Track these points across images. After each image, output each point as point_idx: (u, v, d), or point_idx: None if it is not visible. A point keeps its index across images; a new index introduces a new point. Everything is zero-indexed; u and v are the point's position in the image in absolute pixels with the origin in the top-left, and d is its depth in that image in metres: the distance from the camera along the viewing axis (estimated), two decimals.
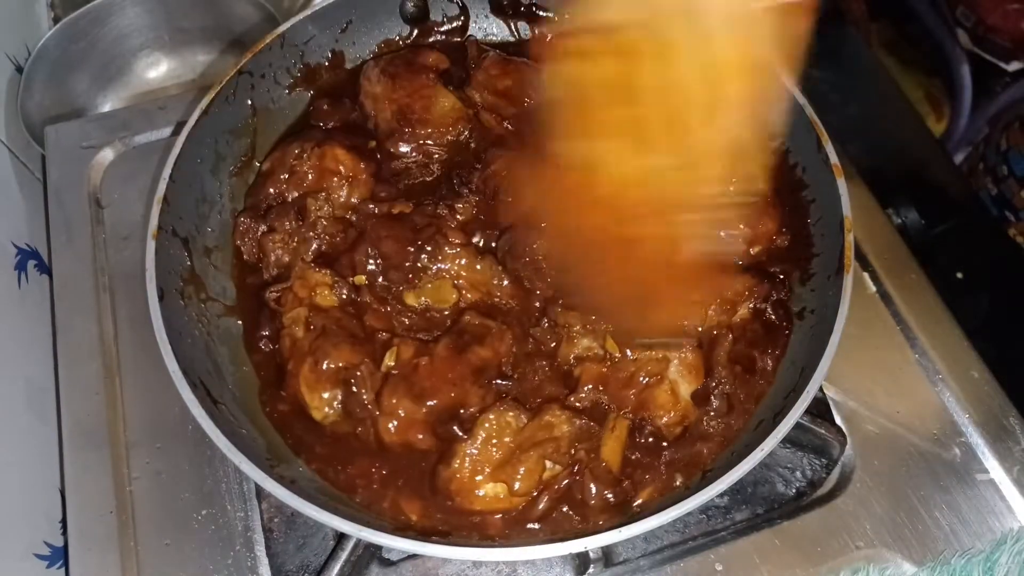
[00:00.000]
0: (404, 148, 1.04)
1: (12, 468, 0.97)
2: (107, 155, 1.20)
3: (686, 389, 0.87)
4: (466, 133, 1.05)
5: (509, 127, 1.05)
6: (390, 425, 0.85)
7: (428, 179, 1.03)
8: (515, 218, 0.95)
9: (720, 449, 0.86)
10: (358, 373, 0.86)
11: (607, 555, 0.91)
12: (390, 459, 0.87)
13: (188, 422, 0.96)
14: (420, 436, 0.85)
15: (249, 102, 1.06)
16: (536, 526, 0.83)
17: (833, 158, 0.92)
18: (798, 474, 0.96)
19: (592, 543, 0.75)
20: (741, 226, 0.94)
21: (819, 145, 0.93)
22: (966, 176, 1.73)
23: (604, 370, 0.87)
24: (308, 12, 1.07)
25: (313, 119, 1.09)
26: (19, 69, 1.28)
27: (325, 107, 1.09)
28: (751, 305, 0.92)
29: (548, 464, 0.83)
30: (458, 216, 0.97)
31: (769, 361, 0.91)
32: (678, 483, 0.85)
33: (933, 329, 1.04)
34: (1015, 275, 1.29)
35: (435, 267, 0.93)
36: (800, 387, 0.80)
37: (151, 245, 0.89)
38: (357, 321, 0.91)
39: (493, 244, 0.97)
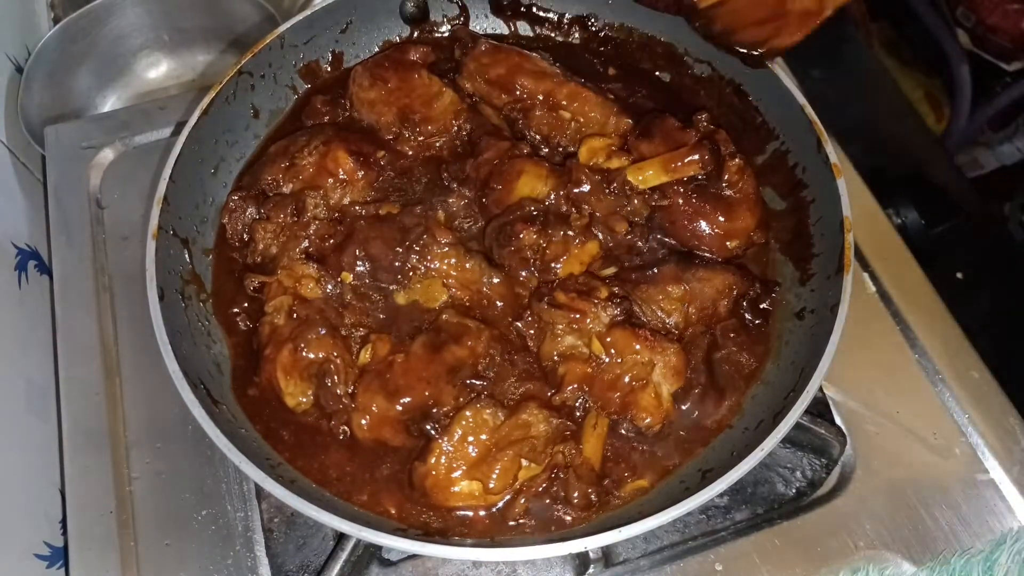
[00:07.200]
0: (409, 149, 1.04)
1: (12, 468, 0.97)
2: (107, 155, 1.20)
3: (669, 391, 0.87)
4: (465, 126, 1.05)
5: (505, 115, 1.04)
6: (363, 421, 0.85)
7: (426, 179, 1.03)
8: (504, 207, 0.95)
9: (697, 446, 0.87)
10: (332, 365, 0.86)
11: (607, 555, 0.91)
12: (363, 453, 0.87)
13: (188, 422, 0.96)
14: (392, 434, 0.85)
15: (249, 102, 1.06)
16: (517, 523, 0.83)
17: (833, 158, 0.92)
18: (798, 474, 0.96)
19: (592, 543, 0.75)
20: (720, 218, 0.95)
21: (819, 145, 0.93)
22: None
23: (589, 371, 0.87)
24: (308, 12, 1.07)
25: (306, 116, 1.08)
26: (19, 69, 1.28)
27: (319, 105, 1.08)
28: (729, 304, 0.92)
29: (524, 462, 0.83)
30: (451, 209, 0.97)
31: (752, 360, 0.91)
32: (653, 480, 0.86)
33: (933, 329, 1.04)
34: (1015, 275, 1.29)
35: (424, 267, 0.93)
36: (800, 387, 0.81)
37: (151, 245, 0.89)
38: (339, 316, 0.91)
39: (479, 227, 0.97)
